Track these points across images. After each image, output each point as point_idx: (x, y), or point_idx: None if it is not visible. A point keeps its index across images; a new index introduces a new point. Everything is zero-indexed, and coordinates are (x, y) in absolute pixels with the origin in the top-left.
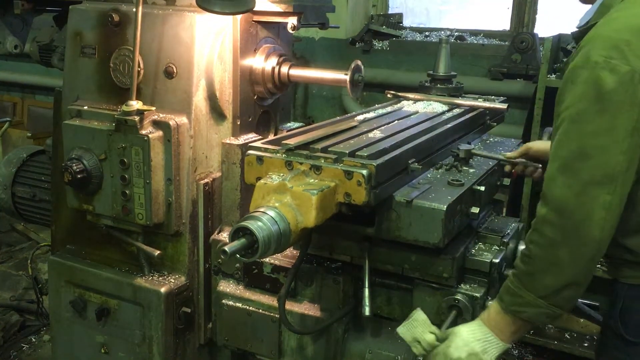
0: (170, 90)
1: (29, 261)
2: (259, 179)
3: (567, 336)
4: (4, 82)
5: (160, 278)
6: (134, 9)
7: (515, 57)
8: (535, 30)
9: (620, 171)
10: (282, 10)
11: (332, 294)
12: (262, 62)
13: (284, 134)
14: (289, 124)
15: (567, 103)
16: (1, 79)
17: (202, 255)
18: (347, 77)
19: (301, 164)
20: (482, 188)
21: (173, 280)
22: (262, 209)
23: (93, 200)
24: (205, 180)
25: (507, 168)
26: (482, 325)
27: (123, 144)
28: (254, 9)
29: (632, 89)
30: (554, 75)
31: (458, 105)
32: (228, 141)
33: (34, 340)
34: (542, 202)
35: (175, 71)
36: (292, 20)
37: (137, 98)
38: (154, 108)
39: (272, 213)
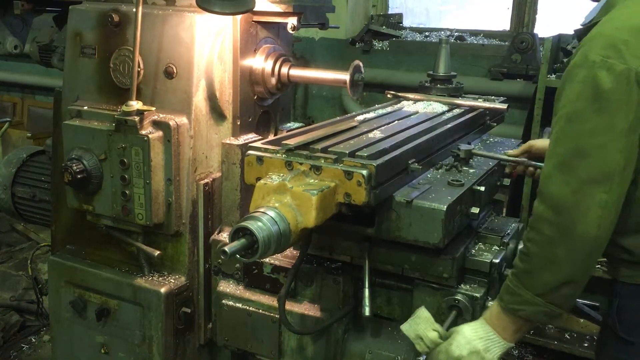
0: (170, 91)
1: (29, 261)
2: (259, 179)
3: (567, 336)
4: (4, 82)
5: (160, 278)
6: (134, 9)
7: (515, 57)
8: (535, 31)
9: (617, 170)
10: (282, 11)
11: (332, 294)
12: (262, 62)
13: (284, 134)
14: (289, 124)
15: (565, 101)
16: (1, 79)
17: (202, 255)
18: (347, 78)
19: (301, 164)
20: (482, 188)
21: (173, 281)
22: (262, 209)
23: (93, 200)
24: (205, 180)
25: (508, 169)
26: (485, 324)
27: (123, 144)
28: (254, 9)
29: (628, 88)
30: (554, 76)
31: (458, 106)
32: (228, 141)
33: (34, 340)
34: (539, 199)
35: (175, 71)
36: (292, 21)
37: (137, 98)
38: (154, 108)
39: (272, 213)
